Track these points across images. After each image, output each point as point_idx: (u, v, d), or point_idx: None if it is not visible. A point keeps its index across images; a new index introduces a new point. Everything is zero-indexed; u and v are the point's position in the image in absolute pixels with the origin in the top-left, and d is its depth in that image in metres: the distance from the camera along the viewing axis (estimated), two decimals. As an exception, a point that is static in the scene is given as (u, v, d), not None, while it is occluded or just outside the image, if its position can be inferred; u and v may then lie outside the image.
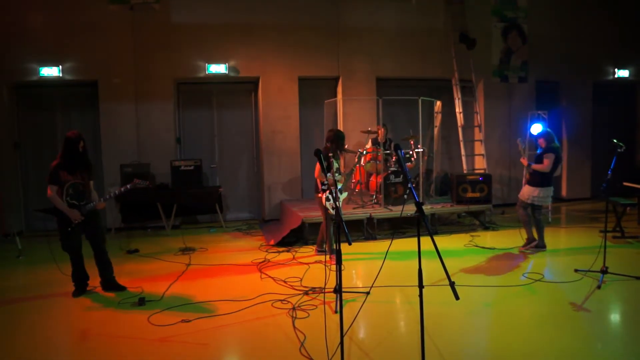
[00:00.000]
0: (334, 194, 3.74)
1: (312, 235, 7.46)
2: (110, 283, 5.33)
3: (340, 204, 6.39)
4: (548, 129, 6.74)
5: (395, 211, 7.73)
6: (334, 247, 6.43)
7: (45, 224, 8.53)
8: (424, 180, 8.89)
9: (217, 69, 9.15)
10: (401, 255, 6.50)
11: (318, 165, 6.10)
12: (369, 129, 8.77)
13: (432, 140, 10.04)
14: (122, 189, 5.33)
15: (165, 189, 8.63)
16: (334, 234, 5.24)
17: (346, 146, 8.55)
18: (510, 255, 6.51)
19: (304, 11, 9.50)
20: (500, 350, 3.70)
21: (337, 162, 6.38)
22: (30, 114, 9.10)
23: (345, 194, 6.61)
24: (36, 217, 8.88)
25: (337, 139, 6.29)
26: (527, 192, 6.50)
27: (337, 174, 6.32)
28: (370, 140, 8.81)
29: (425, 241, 2.96)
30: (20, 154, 9.03)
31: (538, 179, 6.41)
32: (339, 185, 6.36)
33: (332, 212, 6.25)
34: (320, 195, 6.27)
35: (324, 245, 6.52)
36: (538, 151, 6.62)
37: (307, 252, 6.90)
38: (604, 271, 5.14)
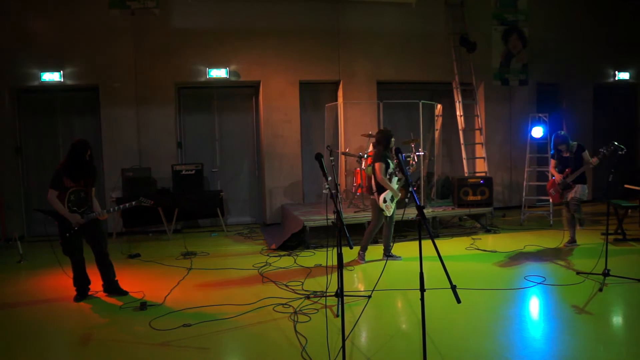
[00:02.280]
0: (335, 195, 3.75)
1: (314, 239, 7.47)
2: (112, 286, 5.34)
3: (393, 205, 6.35)
4: (562, 132, 6.88)
5: (397, 215, 7.70)
6: (390, 247, 6.51)
7: (46, 228, 8.47)
8: (425, 183, 8.89)
9: (218, 73, 9.18)
10: (403, 258, 6.51)
11: (377, 167, 6.14)
12: (370, 132, 8.77)
13: (433, 144, 10.04)
14: (127, 205, 5.35)
15: (166, 193, 8.64)
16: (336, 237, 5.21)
17: (347, 149, 8.58)
18: (512, 258, 6.50)
19: (305, 15, 9.53)
20: (502, 354, 3.69)
21: (393, 163, 6.36)
22: (31, 119, 9.12)
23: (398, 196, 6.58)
24: (37, 222, 8.89)
25: (384, 140, 6.30)
26: (580, 190, 6.68)
27: (395, 177, 6.31)
28: (371, 144, 8.80)
29: (427, 244, 2.96)
30: (21, 159, 9.05)
31: (585, 176, 6.71)
32: (396, 186, 6.32)
33: (387, 213, 6.27)
34: (374, 197, 6.28)
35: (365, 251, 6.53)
36: (554, 155, 6.92)
37: (308, 256, 6.89)
38: (606, 274, 5.13)
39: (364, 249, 6.54)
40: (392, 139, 6.36)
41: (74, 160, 5.04)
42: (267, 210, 9.61)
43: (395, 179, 6.33)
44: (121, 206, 5.39)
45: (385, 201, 6.21)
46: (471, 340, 3.94)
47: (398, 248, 7.01)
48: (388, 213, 6.31)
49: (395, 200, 6.34)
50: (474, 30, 10.01)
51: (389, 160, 6.25)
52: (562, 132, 6.86)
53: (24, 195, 9.03)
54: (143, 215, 8.70)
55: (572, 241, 7.04)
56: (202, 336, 4.13)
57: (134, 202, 5.29)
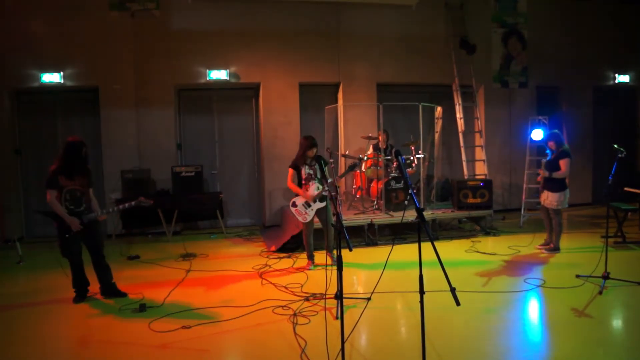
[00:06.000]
0: (335, 198, 3.75)
1: (314, 241, 7.44)
2: (109, 289, 5.33)
3: (310, 211, 6.18)
4: (555, 130, 6.85)
5: (396, 217, 7.72)
6: (312, 255, 6.37)
7: (45, 229, 8.53)
8: (425, 186, 8.89)
9: (218, 75, 9.18)
10: (402, 261, 6.50)
11: (289, 173, 6.12)
12: (370, 134, 8.77)
13: (432, 146, 10.05)
14: (127, 205, 5.31)
15: (165, 195, 8.63)
16: (335, 239, 5.18)
17: (347, 152, 8.59)
18: (512, 260, 6.50)
19: (305, 17, 9.53)
20: (501, 357, 3.68)
21: (314, 169, 6.21)
22: (31, 120, 9.11)
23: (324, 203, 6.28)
24: (37, 223, 8.89)
25: (303, 146, 6.16)
26: (551, 198, 6.69)
27: (316, 182, 6.15)
28: (371, 146, 8.81)
29: (426, 247, 2.95)
30: (20, 160, 9.04)
31: (558, 184, 6.64)
32: (316, 191, 6.14)
33: (301, 220, 6.16)
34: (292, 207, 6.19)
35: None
36: (549, 156, 6.84)
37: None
38: (606, 277, 5.13)
39: (309, 257, 6.43)
40: (314, 148, 6.12)
41: (71, 158, 5.04)
42: (267, 212, 9.60)
43: (316, 183, 6.13)
44: (120, 206, 5.37)
45: (294, 205, 6.13)
46: (470, 343, 3.94)
47: (398, 250, 7.01)
48: (302, 219, 6.17)
49: (311, 207, 6.13)
50: (473, 33, 10.02)
51: (306, 166, 6.13)
52: (556, 131, 6.90)
53: (23, 196, 9.02)
54: (142, 216, 8.71)
55: (548, 242, 7.05)
56: (201, 338, 4.13)
57: (133, 203, 5.28)
